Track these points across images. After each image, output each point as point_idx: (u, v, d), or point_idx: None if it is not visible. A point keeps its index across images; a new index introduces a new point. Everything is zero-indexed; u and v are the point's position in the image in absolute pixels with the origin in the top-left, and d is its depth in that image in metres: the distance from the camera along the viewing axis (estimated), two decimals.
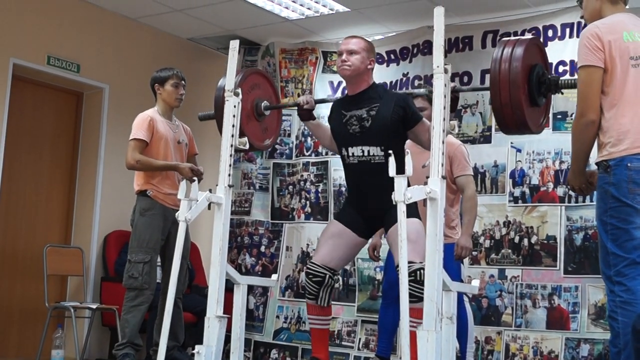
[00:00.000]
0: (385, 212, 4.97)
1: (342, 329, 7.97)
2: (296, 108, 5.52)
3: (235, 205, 8.75)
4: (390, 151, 4.26)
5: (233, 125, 5.12)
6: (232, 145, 5.11)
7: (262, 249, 8.71)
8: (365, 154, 5.06)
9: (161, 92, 6.58)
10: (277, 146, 8.80)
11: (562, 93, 4.65)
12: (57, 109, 8.51)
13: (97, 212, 8.42)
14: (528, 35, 4.46)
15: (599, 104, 4.24)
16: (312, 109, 5.45)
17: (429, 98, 5.78)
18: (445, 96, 4.33)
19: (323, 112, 8.50)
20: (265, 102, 5.56)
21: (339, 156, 5.30)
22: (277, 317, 8.43)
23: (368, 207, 5.16)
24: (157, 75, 6.66)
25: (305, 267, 5.22)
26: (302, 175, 8.56)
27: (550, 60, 7.16)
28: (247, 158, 8.94)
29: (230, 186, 5.12)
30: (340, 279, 7.95)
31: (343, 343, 7.93)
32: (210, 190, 5.10)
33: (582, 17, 4.76)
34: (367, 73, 5.19)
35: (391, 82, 8.23)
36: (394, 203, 4.12)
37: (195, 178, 6.35)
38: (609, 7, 4.47)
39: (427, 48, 7.95)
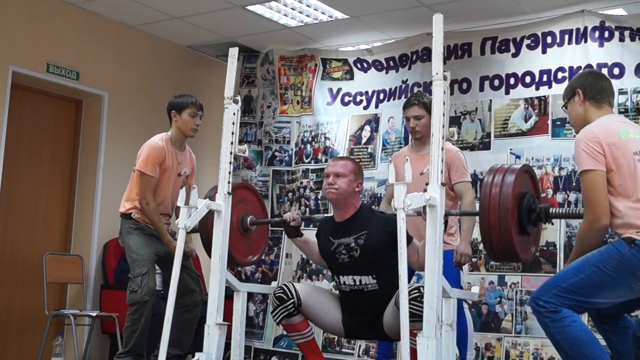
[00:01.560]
0: (377, 324, 4.98)
1: None
2: (282, 224, 5.41)
3: None
4: (390, 158, 4.26)
5: (232, 133, 5.13)
6: (231, 153, 5.11)
7: (262, 256, 8.70)
8: (357, 283, 5.01)
9: (177, 119, 6.42)
10: (276, 153, 8.82)
11: (552, 223, 4.61)
12: (56, 117, 8.51)
13: (97, 220, 8.43)
14: (517, 165, 4.40)
15: (608, 206, 4.21)
16: (298, 226, 5.30)
17: (426, 106, 5.78)
18: (444, 103, 4.33)
19: (323, 118, 8.54)
20: (251, 217, 5.48)
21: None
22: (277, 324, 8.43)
23: (361, 319, 5.09)
24: (175, 102, 6.48)
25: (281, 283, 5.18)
26: (301, 182, 8.56)
27: (549, 67, 7.25)
28: (246, 165, 8.95)
29: (229, 193, 5.11)
30: None
31: (343, 350, 7.93)
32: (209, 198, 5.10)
33: (568, 122, 4.75)
34: (355, 196, 5.11)
35: (390, 89, 8.25)
36: (393, 210, 4.13)
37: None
38: (594, 111, 4.49)
39: (426, 55, 7.96)
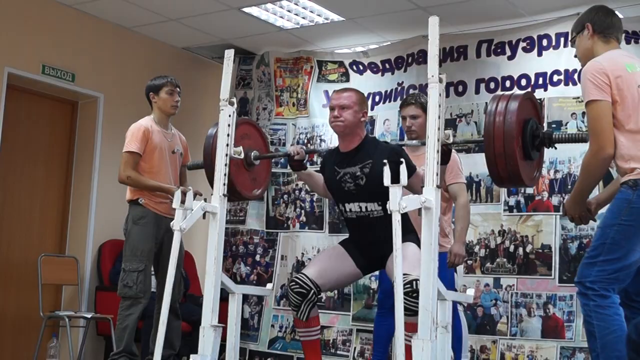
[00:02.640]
0: (384, 258, 5.01)
1: (337, 338, 7.97)
2: (286, 158, 5.49)
3: (230, 214, 8.74)
4: (385, 160, 4.26)
5: (228, 135, 5.12)
6: (227, 155, 5.09)
7: (257, 257, 8.71)
8: (363, 209, 5.07)
9: (156, 100, 6.48)
10: None
11: (556, 147, 4.64)
12: (51, 118, 8.52)
13: (92, 221, 8.43)
14: (520, 92, 4.46)
15: (613, 136, 4.23)
16: (302, 160, 5.37)
17: (423, 106, 5.77)
18: (440, 106, 4.32)
19: (318, 120, 8.53)
20: (255, 152, 5.49)
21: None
22: (272, 326, 8.42)
23: (365, 253, 5.17)
24: (151, 84, 6.56)
25: (292, 276, 5.18)
26: (297, 185, 8.56)
27: (544, 70, 7.27)
28: None
29: (225, 195, 5.08)
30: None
31: (338, 352, 7.93)
32: (205, 199, 5.10)
33: (575, 56, 4.78)
34: (360, 126, 5.16)
35: (386, 92, 8.25)
36: (389, 212, 4.13)
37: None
38: (602, 46, 4.52)
39: (422, 57, 7.97)
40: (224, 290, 5.10)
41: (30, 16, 7.95)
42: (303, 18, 8.17)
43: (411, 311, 4.35)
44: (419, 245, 4.62)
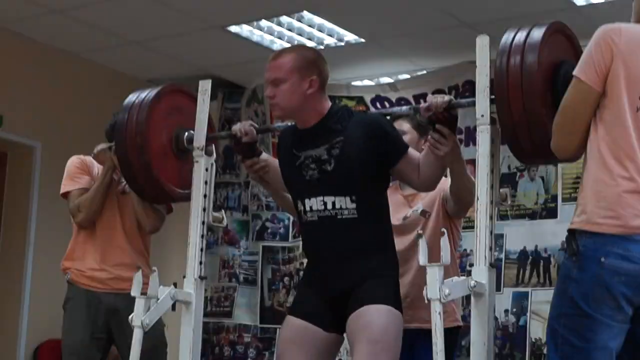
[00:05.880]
0: (352, 292, 4.45)
1: None
2: (232, 141, 5.10)
3: (211, 303, 8.77)
4: (421, 232, 4.20)
5: (205, 196, 5.09)
6: (203, 222, 5.09)
7: None
8: (329, 207, 4.50)
9: None
10: (268, 224, 8.84)
11: None
12: None
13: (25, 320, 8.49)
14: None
15: (581, 138, 3.73)
16: (253, 142, 5.01)
17: (413, 121, 5.33)
18: (493, 155, 4.29)
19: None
20: (189, 132, 5.22)
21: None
22: None
23: (329, 283, 4.56)
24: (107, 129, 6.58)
25: None
26: (301, 263, 8.50)
27: None
28: (227, 240, 8.95)
29: (202, 278, 5.07)
30: None
31: None
32: (175, 285, 5.06)
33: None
34: (312, 99, 4.56)
35: None
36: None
37: None
38: None
39: (468, 90, 7.95)
40: None
41: None
42: (309, 39, 8.24)
43: None
44: (392, 297, 4.36)
